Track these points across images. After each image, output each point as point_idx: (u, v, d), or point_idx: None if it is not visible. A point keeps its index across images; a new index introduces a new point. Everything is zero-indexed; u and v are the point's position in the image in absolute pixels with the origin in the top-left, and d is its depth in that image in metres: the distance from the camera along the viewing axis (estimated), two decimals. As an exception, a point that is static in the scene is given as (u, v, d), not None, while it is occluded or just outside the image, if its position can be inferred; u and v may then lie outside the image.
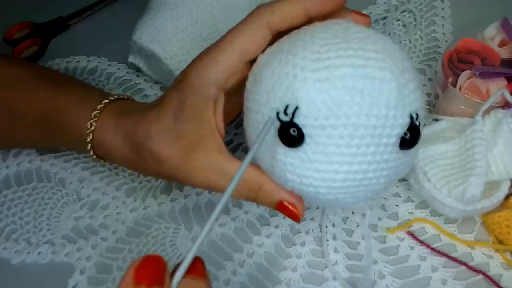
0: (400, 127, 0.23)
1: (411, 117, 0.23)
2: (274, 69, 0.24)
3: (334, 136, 0.23)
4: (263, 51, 0.26)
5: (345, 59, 0.23)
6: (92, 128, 0.30)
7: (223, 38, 0.26)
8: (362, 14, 0.27)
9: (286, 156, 0.24)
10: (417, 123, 0.24)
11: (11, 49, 0.44)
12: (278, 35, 0.26)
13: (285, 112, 0.23)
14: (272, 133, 0.24)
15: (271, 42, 0.26)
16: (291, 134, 0.23)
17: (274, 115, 0.23)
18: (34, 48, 0.45)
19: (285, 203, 0.26)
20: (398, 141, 0.24)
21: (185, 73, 0.27)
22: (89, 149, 0.31)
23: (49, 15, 0.47)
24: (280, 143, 0.24)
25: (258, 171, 0.26)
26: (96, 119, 0.30)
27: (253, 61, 0.26)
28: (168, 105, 0.27)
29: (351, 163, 0.23)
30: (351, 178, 0.24)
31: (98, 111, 0.30)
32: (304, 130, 0.23)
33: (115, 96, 0.31)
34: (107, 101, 0.31)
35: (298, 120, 0.23)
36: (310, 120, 0.23)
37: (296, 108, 0.23)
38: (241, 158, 0.37)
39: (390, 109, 0.23)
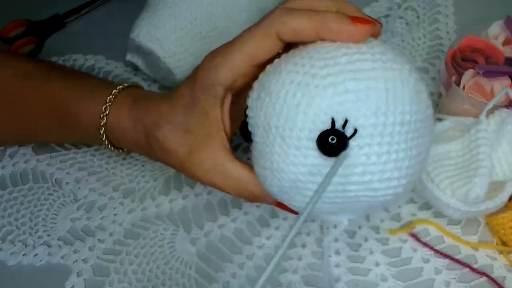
0: (313, 128, 0.23)
1: (333, 121, 0.22)
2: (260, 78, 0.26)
3: (260, 136, 0.25)
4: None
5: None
6: (107, 112, 0.31)
7: (234, 40, 0.27)
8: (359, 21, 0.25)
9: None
10: (348, 132, 0.22)
11: (7, 47, 0.44)
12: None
13: (245, 112, 0.26)
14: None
15: (288, 47, 0.26)
16: (247, 129, 0.26)
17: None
18: (30, 46, 0.45)
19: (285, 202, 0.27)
20: (315, 142, 0.23)
21: (196, 71, 0.28)
22: (102, 133, 0.31)
23: (45, 13, 0.47)
24: None
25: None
26: (110, 103, 0.31)
27: (262, 65, 0.26)
28: (180, 99, 0.28)
29: (270, 161, 0.24)
30: (277, 178, 0.25)
31: (113, 96, 0.31)
32: (250, 129, 0.25)
33: (129, 83, 0.33)
34: (121, 87, 0.32)
35: (248, 119, 0.25)
36: (250, 120, 0.25)
37: (247, 107, 0.26)
38: (241, 158, 0.37)
39: (300, 105, 0.23)
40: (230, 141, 0.28)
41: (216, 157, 0.27)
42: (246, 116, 0.25)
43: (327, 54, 0.24)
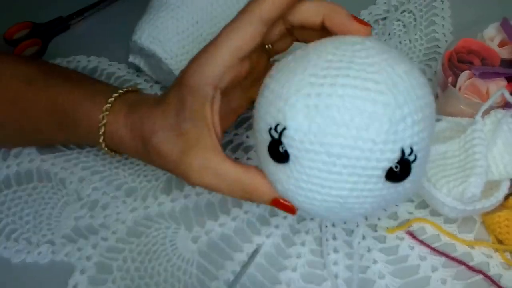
0: (386, 161, 0.23)
1: (403, 152, 0.23)
2: (274, 86, 0.24)
3: (316, 161, 0.23)
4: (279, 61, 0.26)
5: (337, 88, 0.23)
6: (104, 121, 0.31)
7: (217, 36, 0.27)
8: (361, 22, 0.27)
9: (275, 169, 0.25)
10: (411, 158, 0.23)
11: (11, 49, 0.44)
12: (291, 28, 0.26)
13: (276, 129, 0.24)
14: (265, 146, 0.25)
15: (288, 32, 0.26)
16: (279, 151, 0.24)
17: (267, 129, 0.24)
18: (34, 48, 0.45)
19: (281, 200, 0.27)
20: (384, 173, 0.23)
21: (183, 72, 0.28)
22: (102, 142, 0.31)
23: (49, 15, 0.47)
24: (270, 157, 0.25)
25: (253, 173, 0.27)
26: (107, 112, 0.31)
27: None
28: (170, 103, 0.28)
29: (331, 187, 0.24)
30: (332, 200, 0.24)
31: (109, 105, 0.31)
32: (290, 150, 0.24)
33: (124, 89, 0.32)
34: (117, 94, 0.31)
35: (285, 139, 0.24)
36: (295, 142, 0.23)
37: (284, 128, 0.23)
38: (240, 159, 0.37)
39: (377, 144, 0.23)
40: (221, 140, 0.28)
41: (207, 158, 0.27)
42: (279, 135, 0.24)
43: (371, 75, 0.23)
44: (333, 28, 0.26)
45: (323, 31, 0.27)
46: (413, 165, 0.24)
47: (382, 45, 0.25)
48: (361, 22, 0.26)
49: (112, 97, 0.31)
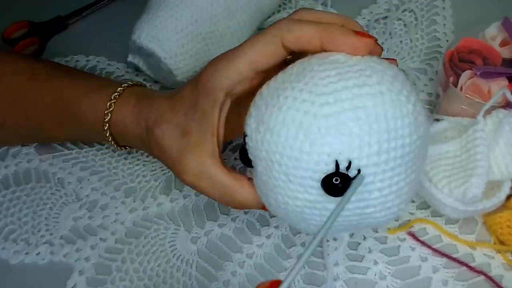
0: (318, 170, 0.23)
1: (337, 164, 0.23)
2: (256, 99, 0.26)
3: (263, 167, 0.25)
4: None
5: (284, 100, 0.24)
6: (111, 109, 0.31)
7: (239, 45, 0.27)
8: (365, 36, 0.25)
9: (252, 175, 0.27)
10: (351, 173, 0.23)
11: (9, 49, 0.44)
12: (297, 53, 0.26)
13: (244, 136, 0.26)
14: None
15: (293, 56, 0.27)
16: (247, 156, 0.26)
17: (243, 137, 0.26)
18: (32, 47, 0.45)
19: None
20: (320, 182, 0.23)
21: (200, 73, 0.28)
22: (106, 129, 0.32)
23: (47, 14, 0.47)
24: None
25: (244, 184, 0.27)
26: (115, 100, 0.31)
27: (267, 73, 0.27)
28: (183, 100, 0.28)
29: (277, 193, 0.25)
30: (281, 208, 0.25)
31: (118, 93, 0.32)
32: (250, 157, 0.26)
33: (134, 82, 0.33)
34: (126, 85, 0.32)
35: (247, 146, 0.25)
36: (251, 149, 0.25)
37: (245, 135, 0.26)
38: (238, 159, 0.37)
39: (303, 153, 0.23)
40: (221, 147, 0.28)
41: (203, 162, 0.27)
42: (245, 143, 0.26)
43: (325, 88, 0.23)
44: (333, 50, 0.26)
45: None
46: (358, 183, 0.23)
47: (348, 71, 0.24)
48: (362, 34, 0.25)
49: (122, 87, 0.32)
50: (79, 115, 0.33)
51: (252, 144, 0.25)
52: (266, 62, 0.26)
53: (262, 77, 0.27)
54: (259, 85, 0.26)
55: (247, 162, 0.26)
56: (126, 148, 0.35)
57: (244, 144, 0.26)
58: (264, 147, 0.24)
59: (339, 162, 0.23)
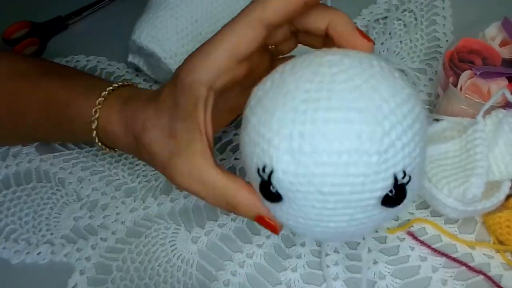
0: (380, 190, 0.22)
1: (395, 178, 0.22)
2: (255, 122, 0.23)
3: (310, 200, 0.23)
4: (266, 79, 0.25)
5: (320, 125, 0.21)
6: (97, 115, 0.30)
7: (213, 36, 0.26)
8: (364, 36, 0.25)
9: (269, 205, 0.25)
10: (405, 180, 0.22)
11: (9, 49, 0.44)
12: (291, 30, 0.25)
13: (264, 171, 0.23)
14: (257, 185, 0.24)
15: (287, 36, 0.25)
16: (271, 191, 0.23)
17: (256, 169, 0.23)
18: (33, 47, 0.45)
19: (265, 218, 0.26)
20: (380, 200, 0.23)
21: (179, 70, 0.27)
22: (95, 136, 0.31)
23: (48, 15, 0.47)
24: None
25: (239, 186, 0.26)
26: (100, 106, 0.30)
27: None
28: (164, 102, 0.27)
29: (329, 221, 0.24)
30: (330, 231, 0.24)
31: (103, 99, 0.30)
32: (281, 191, 0.23)
33: (119, 83, 0.31)
34: (111, 88, 0.31)
35: (275, 181, 0.23)
36: (285, 183, 0.22)
37: (272, 171, 0.22)
38: (239, 159, 0.37)
39: (368, 176, 0.22)
40: (212, 144, 0.27)
41: (193, 163, 0.26)
42: (268, 177, 0.23)
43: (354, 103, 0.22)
44: (335, 38, 0.25)
45: (326, 39, 0.26)
46: (408, 186, 0.23)
47: (362, 59, 0.23)
48: (365, 36, 0.25)
49: (106, 91, 0.30)
50: (68, 120, 0.32)
51: (286, 178, 0.22)
52: (245, 48, 0.25)
53: (247, 66, 0.26)
54: (244, 76, 0.25)
55: (273, 197, 0.23)
56: (116, 151, 0.33)
57: (262, 178, 0.23)
58: (308, 180, 0.22)
59: (396, 175, 0.22)
